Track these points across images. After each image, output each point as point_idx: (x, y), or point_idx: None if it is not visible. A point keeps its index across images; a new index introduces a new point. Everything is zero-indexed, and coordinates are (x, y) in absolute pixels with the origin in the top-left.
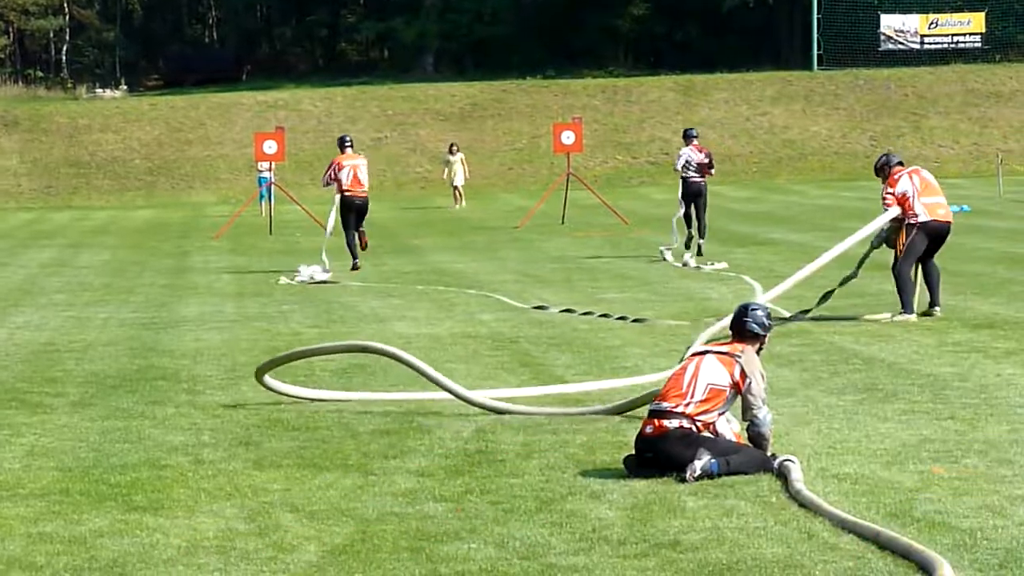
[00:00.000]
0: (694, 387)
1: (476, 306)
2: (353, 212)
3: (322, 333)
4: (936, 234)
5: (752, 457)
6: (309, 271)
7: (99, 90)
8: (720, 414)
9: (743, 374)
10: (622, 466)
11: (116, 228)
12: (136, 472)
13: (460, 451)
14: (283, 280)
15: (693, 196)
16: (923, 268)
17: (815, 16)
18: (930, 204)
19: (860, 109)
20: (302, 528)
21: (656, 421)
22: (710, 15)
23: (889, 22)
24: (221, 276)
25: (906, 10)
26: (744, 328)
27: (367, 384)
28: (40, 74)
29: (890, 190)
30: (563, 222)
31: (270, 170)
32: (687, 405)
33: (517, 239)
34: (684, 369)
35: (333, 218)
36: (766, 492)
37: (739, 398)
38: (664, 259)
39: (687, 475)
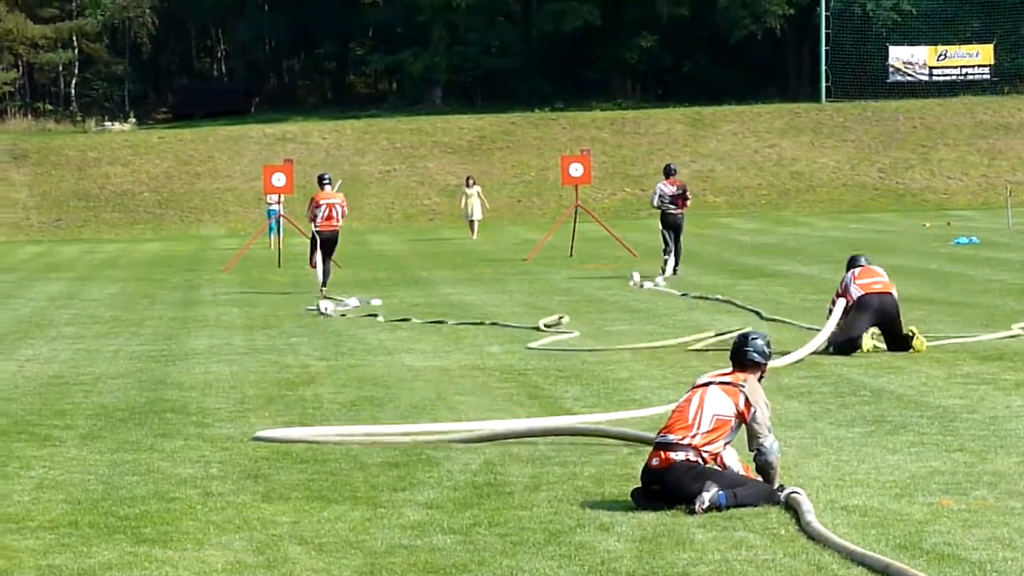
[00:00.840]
0: (700, 418)
1: (484, 338)
2: (324, 245)
3: (331, 366)
4: (876, 307)
5: (759, 489)
6: (352, 302)
7: (108, 123)
8: (726, 444)
9: (747, 403)
10: (630, 499)
11: (125, 261)
12: (145, 505)
13: (469, 483)
14: (328, 309)
15: (672, 227)
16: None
17: (823, 48)
18: (865, 283)
19: (869, 141)
20: (311, 561)
21: (662, 453)
22: (718, 47)
23: (897, 54)
24: (230, 309)
25: (914, 42)
26: (745, 357)
27: (377, 418)
28: (49, 107)
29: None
30: (571, 254)
31: (279, 203)
32: (693, 437)
33: (525, 271)
34: (688, 401)
35: (310, 250)
36: (775, 524)
37: (743, 428)
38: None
39: (695, 507)
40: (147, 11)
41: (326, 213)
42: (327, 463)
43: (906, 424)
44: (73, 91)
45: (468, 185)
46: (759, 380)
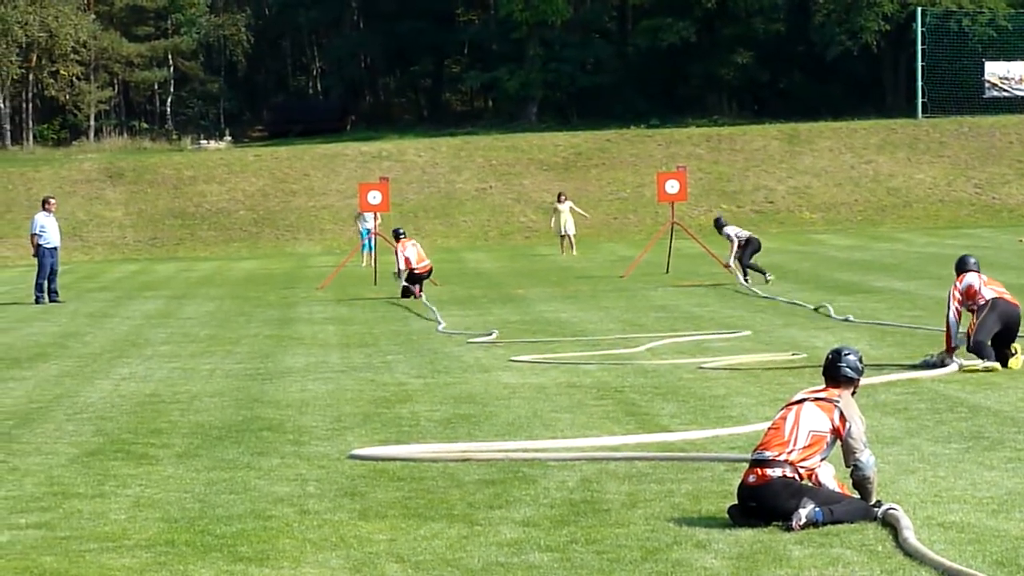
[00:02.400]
0: (796, 434)
1: (582, 357)
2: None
3: (427, 383)
4: (1006, 313)
5: (855, 506)
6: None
7: (203, 141)
8: (822, 459)
9: (843, 418)
10: (727, 515)
11: (220, 279)
12: (241, 523)
13: (565, 501)
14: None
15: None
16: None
17: (919, 64)
18: (997, 289)
19: (965, 156)
20: None
21: (759, 470)
22: (814, 63)
23: (993, 69)
24: (326, 327)
25: (1011, 57)
26: (838, 373)
27: (473, 435)
28: (145, 126)
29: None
30: (667, 271)
31: (375, 220)
32: (790, 453)
33: (622, 288)
34: (784, 418)
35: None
36: (872, 541)
37: (838, 444)
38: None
39: (792, 524)
40: (242, 29)
41: (415, 254)
42: (423, 481)
43: (1003, 440)
44: (168, 109)
45: (560, 201)
46: (852, 395)
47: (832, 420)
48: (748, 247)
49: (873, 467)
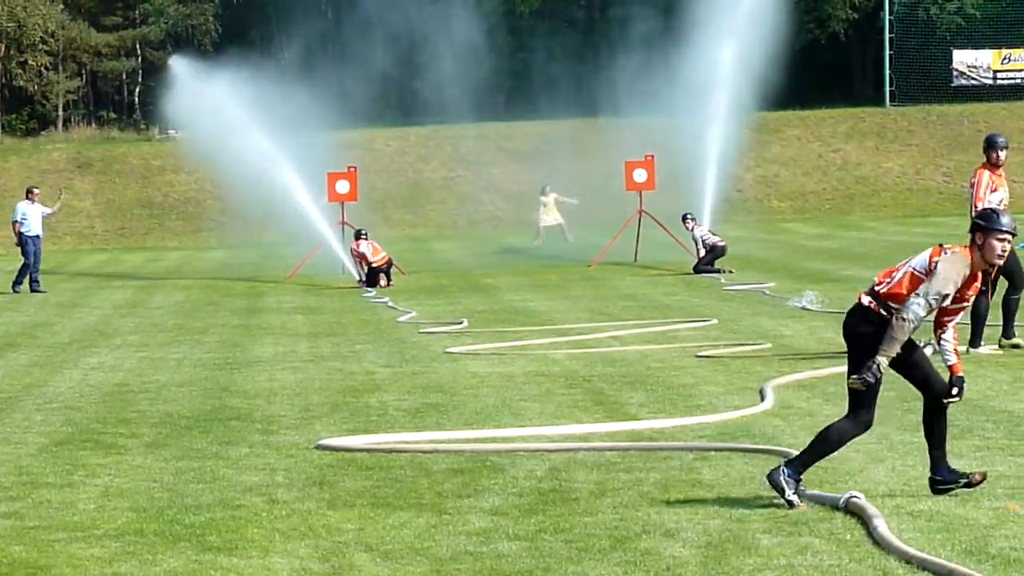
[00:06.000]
0: (900, 271)
1: (550, 344)
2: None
3: (395, 373)
4: None
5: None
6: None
7: (171, 131)
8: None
9: (931, 270)
10: (698, 504)
11: (189, 269)
12: (210, 512)
13: (534, 490)
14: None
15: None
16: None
17: (887, 52)
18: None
19: (933, 145)
20: (376, 568)
21: (860, 293)
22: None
23: (962, 58)
24: (294, 316)
25: (979, 46)
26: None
27: (441, 425)
28: (113, 116)
29: None
30: (636, 260)
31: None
32: (884, 285)
33: (590, 277)
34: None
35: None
36: (840, 530)
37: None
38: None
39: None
40: (210, 19)
41: (370, 250)
42: (392, 470)
43: (972, 429)
44: (136, 99)
45: (544, 193)
46: (979, 252)
47: (929, 265)
48: (711, 254)
49: (910, 325)
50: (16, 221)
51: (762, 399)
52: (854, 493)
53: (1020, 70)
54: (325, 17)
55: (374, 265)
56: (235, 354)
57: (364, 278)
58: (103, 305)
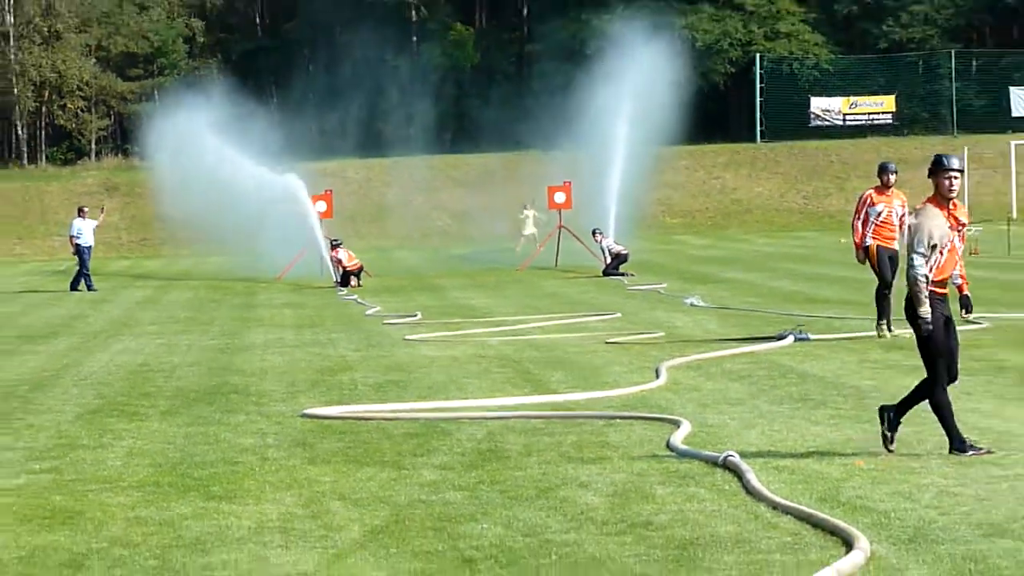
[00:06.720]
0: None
1: (487, 333)
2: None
3: (363, 356)
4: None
5: None
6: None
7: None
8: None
9: (911, 231)
10: (606, 461)
11: (197, 272)
12: (214, 468)
13: (475, 450)
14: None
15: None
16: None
17: (758, 99)
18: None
19: (795, 173)
20: (348, 512)
21: None
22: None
23: (818, 103)
24: (283, 311)
25: (831, 94)
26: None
27: (400, 397)
28: (136, 149)
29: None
30: (556, 265)
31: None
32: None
33: (520, 279)
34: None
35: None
36: (721, 482)
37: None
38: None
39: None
40: (214, 71)
41: (346, 256)
42: (360, 434)
43: (826, 401)
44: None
45: (525, 208)
46: (942, 197)
47: (911, 231)
48: (616, 260)
49: (914, 277)
50: (72, 236)
51: (657, 377)
52: (731, 452)
53: (864, 113)
54: (307, 71)
55: (348, 268)
56: (234, 341)
57: (339, 279)
58: (128, 301)
